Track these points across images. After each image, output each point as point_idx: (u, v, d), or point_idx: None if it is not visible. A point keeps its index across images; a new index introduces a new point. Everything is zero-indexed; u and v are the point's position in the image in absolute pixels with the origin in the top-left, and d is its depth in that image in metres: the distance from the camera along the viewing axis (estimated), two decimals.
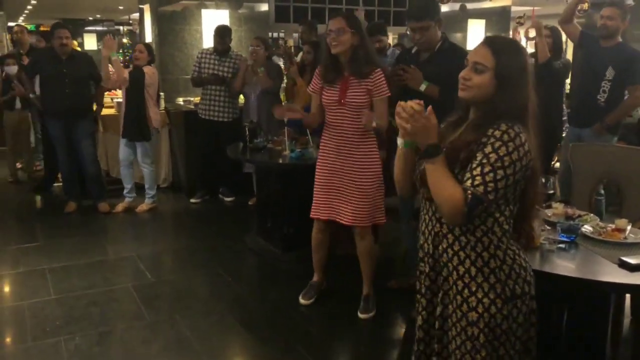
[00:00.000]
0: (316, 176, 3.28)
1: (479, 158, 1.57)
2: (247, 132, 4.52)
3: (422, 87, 3.00)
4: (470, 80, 1.65)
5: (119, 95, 5.59)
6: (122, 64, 5.43)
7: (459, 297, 1.69)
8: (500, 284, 1.65)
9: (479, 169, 1.56)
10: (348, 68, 3.05)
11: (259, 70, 4.95)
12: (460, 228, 1.66)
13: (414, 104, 1.59)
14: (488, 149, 1.57)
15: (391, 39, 9.59)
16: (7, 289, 3.81)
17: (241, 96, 5.56)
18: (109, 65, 5.11)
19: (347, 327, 3.30)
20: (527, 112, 1.65)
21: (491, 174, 1.54)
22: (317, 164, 3.29)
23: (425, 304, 1.81)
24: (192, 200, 5.69)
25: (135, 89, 5.05)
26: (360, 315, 3.34)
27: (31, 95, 5.45)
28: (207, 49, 5.50)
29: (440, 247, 1.72)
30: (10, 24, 13.14)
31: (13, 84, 5.92)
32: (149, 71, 5.12)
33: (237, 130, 5.11)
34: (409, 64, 3.09)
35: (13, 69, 5.75)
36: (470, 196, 1.54)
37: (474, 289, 1.66)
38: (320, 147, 3.29)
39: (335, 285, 3.65)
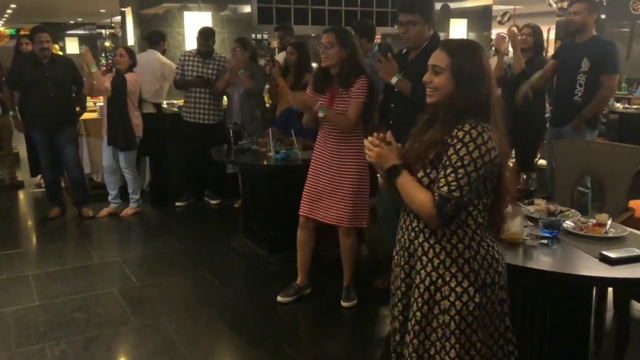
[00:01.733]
0: (309, 175, 3.40)
1: (443, 161, 1.69)
2: (231, 134, 4.51)
3: (393, 80, 3.05)
4: (432, 82, 1.77)
5: (101, 99, 5.54)
6: (103, 70, 5.39)
7: (432, 287, 1.76)
8: (474, 273, 1.74)
9: (442, 172, 1.69)
10: (336, 79, 3.20)
11: (239, 72, 4.94)
12: None
13: (366, 140, 1.80)
14: (450, 151, 1.68)
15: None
16: None
17: (225, 98, 5.55)
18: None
19: (335, 328, 3.31)
20: (489, 108, 1.73)
21: (452, 174, 1.66)
22: (311, 163, 3.41)
23: (400, 296, 1.89)
24: (177, 204, 5.66)
25: (117, 97, 4.99)
26: (343, 304, 3.45)
27: (10, 114, 5.38)
28: (190, 51, 5.48)
29: (416, 241, 1.80)
30: None
31: None
32: (131, 78, 5.06)
33: (222, 132, 5.10)
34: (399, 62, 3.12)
35: None
36: (437, 197, 1.67)
37: (447, 278, 1.74)
38: (315, 148, 3.41)
39: (322, 288, 3.66)
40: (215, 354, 3.08)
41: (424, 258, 1.78)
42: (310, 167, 3.40)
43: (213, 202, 5.74)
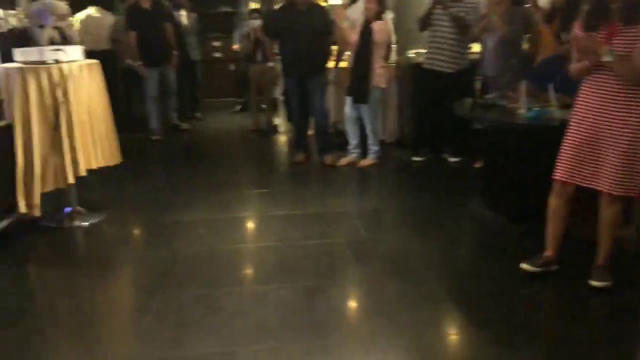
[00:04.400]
0: (569, 134, 2.90)
1: None
2: (479, 86, 4.09)
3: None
4: None
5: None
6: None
7: None
8: None
9: None
10: (618, 12, 2.70)
11: (492, 17, 4.38)
12: None
13: None
14: None
15: None
16: (230, 231, 3.90)
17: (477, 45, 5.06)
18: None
19: (579, 320, 2.74)
20: None
21: None
22: (573, 120, 2.90)
23: None
24: (414, 159, 5.45)
25: (362, 48, 4.94)
26: (593, 283, 2.93)
27: (270, 65, 5.73)
28: None
29: None
30: None
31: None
32: (378, 28, 4.94)
33: (464, 83, 4.68)
34: None
35: (256, 23, 6.12)
36: None
37: None
38: (579, 102, 2.89)
39: (569, 270, 3.11)
40: (430, 327, 2.74)
41: None
42: (573, 124, 2.88)
43: (452, 159, 5.38)
